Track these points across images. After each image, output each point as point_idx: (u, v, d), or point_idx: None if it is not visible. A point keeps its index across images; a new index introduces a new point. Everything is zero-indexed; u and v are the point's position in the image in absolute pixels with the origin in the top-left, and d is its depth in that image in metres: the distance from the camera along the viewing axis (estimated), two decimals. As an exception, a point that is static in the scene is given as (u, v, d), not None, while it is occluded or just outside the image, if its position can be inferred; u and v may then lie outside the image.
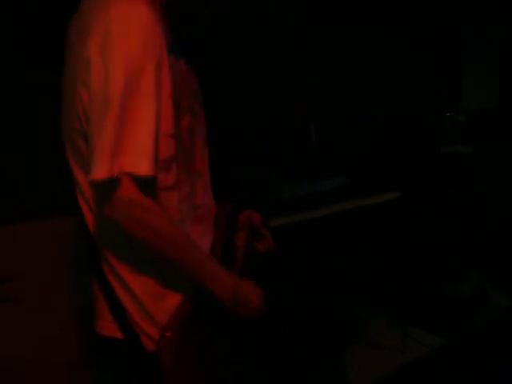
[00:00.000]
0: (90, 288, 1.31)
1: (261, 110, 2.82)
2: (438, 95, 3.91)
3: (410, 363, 2.67)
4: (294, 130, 2.87)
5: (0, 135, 1.98)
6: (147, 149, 1.07)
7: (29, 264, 1.93)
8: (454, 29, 3.98)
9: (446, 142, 3.53)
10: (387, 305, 3.06)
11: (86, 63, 1.09)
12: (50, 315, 2.01)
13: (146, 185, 1.11)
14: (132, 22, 1.07)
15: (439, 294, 3.24)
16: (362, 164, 3.04)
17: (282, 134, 2.81)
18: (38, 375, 1.95)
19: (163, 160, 1.17)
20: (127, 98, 1.05)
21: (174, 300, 1.23)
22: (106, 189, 1.06)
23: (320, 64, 3.16)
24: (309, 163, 2.83)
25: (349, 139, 3.05)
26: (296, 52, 3.04)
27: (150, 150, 1.07)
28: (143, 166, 1.06)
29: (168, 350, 1.19)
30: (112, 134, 1.04)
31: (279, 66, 2.95)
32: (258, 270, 1.47)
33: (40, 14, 2.04)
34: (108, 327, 1.24)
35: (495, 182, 3.62)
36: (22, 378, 1.93)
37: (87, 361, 2.06)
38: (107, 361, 1.30)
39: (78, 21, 1.20)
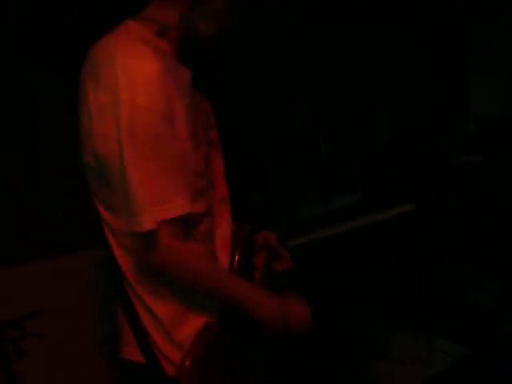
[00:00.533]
0: (116, 315, 1.33)
1: (269, 129, 2.86)
2: (446, 103, 3.93)
3: (436, 374, 2.66)
4: (304, 148, 2.90)
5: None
6: (177, 189, 1.12)
7: (55, 298, 1.97)
8: (462, 37, 4.01)
9: (456, 152, 3.55)
10: (410, 318, 3.06)
11: (96, 114, 1.15)
12: (76, 346, 2.05)
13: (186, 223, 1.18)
14: (138, 79, 1.10)
15: (462, 303, 3.23)
16: (374, 178, 3.06)
17: (292, 154, 2.84)
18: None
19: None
20: (140, 150, 1.09)
21: (196, 324, 1.25)
22: (146, 236, 1.11)
23: (330, 79, 3.19)
24: (320, 181, 2.86)
25: (359, 154, 3.08)
26: (303, 67, 3.09)
27: (179, 188, 1.13)
28: (179, 208, 1.12)
29: (187, 379, 1.19)
30: (139, 186, 1.09)
31: (286, 85, 2.99)
32: (278, 290, 1.50)
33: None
34: (132, 352, 1.26)
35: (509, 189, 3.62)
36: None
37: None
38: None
39: (89, 66, 1.22)
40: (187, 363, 1.19)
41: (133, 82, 1.09)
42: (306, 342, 1.41)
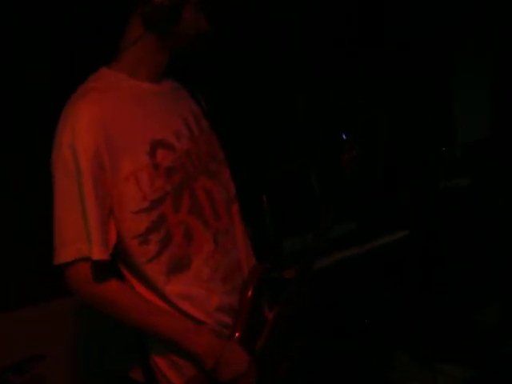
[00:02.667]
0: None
1: (262, 165, 2.91)
2: (432, 132, 4.02)
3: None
4: (295, 181, 2.95)
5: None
6: (79, 233, 1.18)
7: (56, 341, 1.98)
8: (444, 65, 4.13)
9: (445, 176, 3.61)
10: (412, 345, 3.05)
11: None
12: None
13: (127, 265, 1.26)
14: (69, 121, 1.21)
15: (464, 325, 3.24)
16: (366, 207, 3.10)
17: (285, 188, 2.89)
18: None
19: (137, 235, 1.24)
20: (61, 192, 1.20)
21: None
22: (64, 268, 1.20)
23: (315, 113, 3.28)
24: (314, 212, 2.89)
25: (350, 184, 3.12)
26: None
27: (82, 232, 1.18)
28: (75, 253, 1.18)
29: None
30: (55, 223, 1.20)
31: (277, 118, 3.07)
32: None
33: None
34: (134, 371, 1.33)
35: (502, 209, 3.67)
36: None
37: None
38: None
39: None
40: None
41: (64, 124, 1.21)
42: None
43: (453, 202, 3.54)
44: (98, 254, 1.17)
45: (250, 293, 1.38)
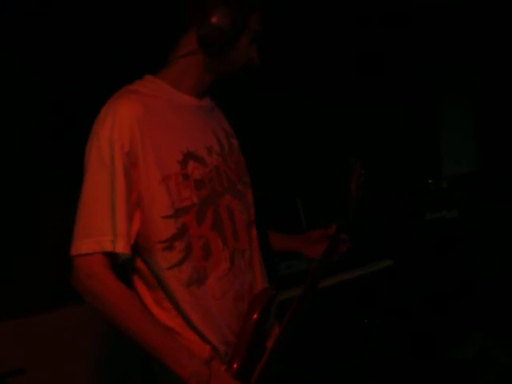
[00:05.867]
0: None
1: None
2: (419, 164, 4.09)
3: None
4: (282, 208, 2.99)
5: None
6: (106, 225, 1.19)
7: (37, 355, 2.00)
8: (430, 97, 4.23)
9: (432, 208, 3.67)
10: (392, 375, 3.06)
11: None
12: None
13: (148, 265, 1.26)
14: (110, 113, 1.23)
15: (443, 358, 3.25)
16: (352, 236, 3.15)
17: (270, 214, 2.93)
18: None
19: (163, 240, 1.25)
20: (92, 182, 1.21)
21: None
22: (75, 260, 1.19)
23: (303, 139, 3.35)
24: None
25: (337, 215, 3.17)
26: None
27: (109, 225, 1.19)
28: (96, 246, 1.18)
29: None
30: (79, 213, 1.21)
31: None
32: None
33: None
34: None
35: (487, 242, 3.72)
36: None
37: None
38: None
39: None
40: None
41: (105, 117, 1.23)
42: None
43: (438, 233, 3.59)
44: (123, 247, 1.19)
45: (253, 318, 1.36)
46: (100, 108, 1.26)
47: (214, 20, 1.28)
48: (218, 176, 1.35)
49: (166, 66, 1.36)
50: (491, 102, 4.02)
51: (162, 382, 1.28)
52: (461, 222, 3.64)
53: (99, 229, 1.18)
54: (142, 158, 1.23)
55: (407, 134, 4.01)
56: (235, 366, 1.31)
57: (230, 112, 1.51)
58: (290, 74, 3.32)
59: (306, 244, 1.69)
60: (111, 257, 1.20)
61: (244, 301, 1.37)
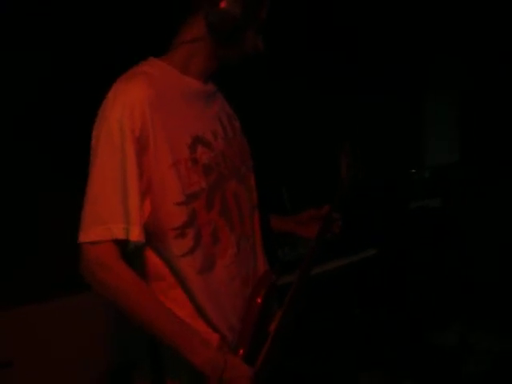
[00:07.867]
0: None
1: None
2: (402, 154, 4.12)
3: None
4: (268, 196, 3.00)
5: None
6: (117, 213, 1.15)
7: (24, 348, 1.97)
8: (415, 87, 4.24)
9: (415, 197, 3.70)
10: (378, 365, 3.10)
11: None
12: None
13: (159, 253, 1.23)
14: (119, 97, 1.19)
15: (426, 345, 3.30)
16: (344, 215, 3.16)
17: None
18: None
19: (175, 228, 1.22)
20: (101, 166, 1.18)
21: None
22: (84, 248, 1.16)
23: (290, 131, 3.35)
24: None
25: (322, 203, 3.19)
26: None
27: (121, 213, 1.15)
28: (107, 233, 1.14)
29: None
30: (87, 200, 1.17)
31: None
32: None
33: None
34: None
35: (471, 231, 3.77)
36: None
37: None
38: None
39: None
40: None
41: (114, 99, 1.19)
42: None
43: (423, 221, 3.63)
44: (137, 235, 1.16)
45: (258, 302, 1.36)
46: (99, 99, 1.23)
47: (225, 7, 1.26)
48: (223, 161, 1.35)
49: (170, 50, 1.34)
50: (476, 91, 4.06)
51: (169, 368, 1.25)
52: (444, 211, 3.69)
53: (110, 215, 1.15)
54: (153, 143, 1.20)
55: (391, 126, 4.03)
56: (241, 351, 1.30)
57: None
58: (276, 64, 3.30)
59: (298, 225, 1.68)
60: (120, 245, 1.16)
61: (249, 286, 1.37)
